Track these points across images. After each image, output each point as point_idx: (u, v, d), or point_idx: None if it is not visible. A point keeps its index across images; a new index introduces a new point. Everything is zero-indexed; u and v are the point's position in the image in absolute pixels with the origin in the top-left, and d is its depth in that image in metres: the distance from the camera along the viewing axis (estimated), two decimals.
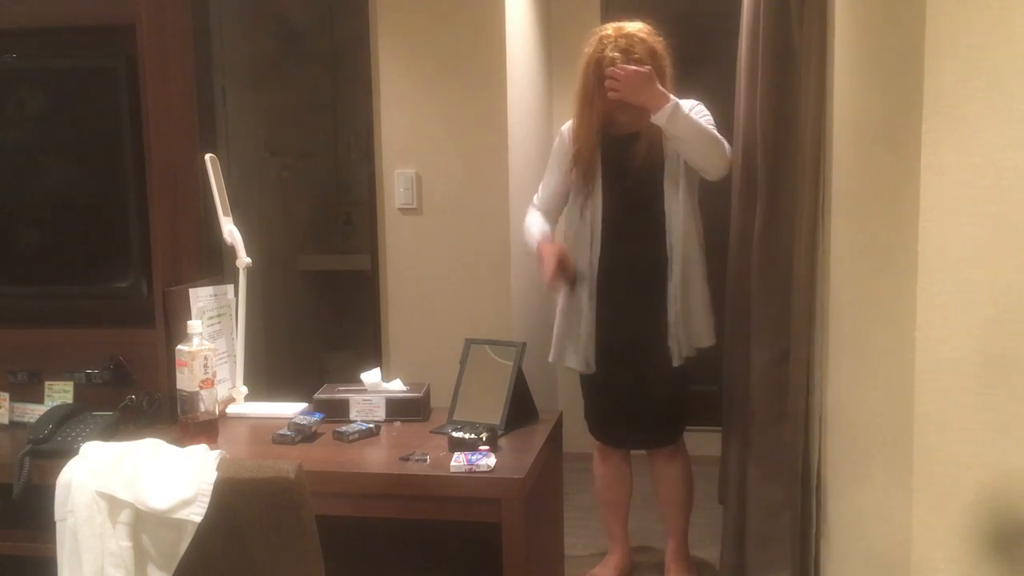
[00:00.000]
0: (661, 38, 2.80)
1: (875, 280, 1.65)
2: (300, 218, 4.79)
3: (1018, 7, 1.27)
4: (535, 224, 2.96)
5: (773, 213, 2.56)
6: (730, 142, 2.90)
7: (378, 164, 3.19)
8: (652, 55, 2.74)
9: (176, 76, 2.54)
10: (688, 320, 2.83)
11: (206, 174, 2.49)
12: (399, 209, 3.17)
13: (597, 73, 2.73)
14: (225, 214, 2.52)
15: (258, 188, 4.30)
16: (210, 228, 2.62)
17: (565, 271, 2.82)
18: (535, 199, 3.03)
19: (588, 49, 2.81)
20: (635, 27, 2.79)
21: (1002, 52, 1.28)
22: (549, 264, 2.76)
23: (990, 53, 1.28)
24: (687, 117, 2.66)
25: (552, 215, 3.02)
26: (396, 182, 3.16)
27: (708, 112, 2.83)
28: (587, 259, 2.86)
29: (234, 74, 4.05)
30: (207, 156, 2.49)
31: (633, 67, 2.63)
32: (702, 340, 2.88)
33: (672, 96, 2.66)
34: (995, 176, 1.29)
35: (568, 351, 2.92)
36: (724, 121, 2.86)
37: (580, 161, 2.84)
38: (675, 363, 2.82)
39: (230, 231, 2.53)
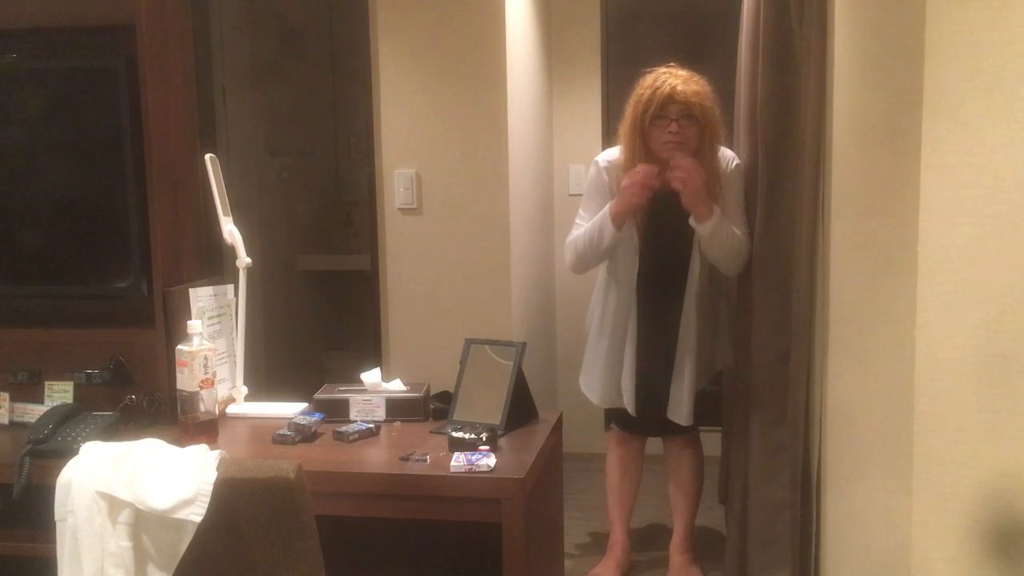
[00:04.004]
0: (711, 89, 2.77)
1: (875, 280, 1.65)
2: (300, 218, 4.79)
3: (1018, 7, 1.27)
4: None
5: (773, 213, 2.56)
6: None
7: (378, 164, 3.19)
8: (710, 116, 2.73)
9: (176, 76, 2.54)
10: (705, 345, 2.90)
11: (206, 174, 2.49)
12: (399, 209, 3.17)
13: (650, 121, 2.73)
14: (225, 214, 2.52)
15: (258, 188, 4.29)
16: (210, 228, 2.62)
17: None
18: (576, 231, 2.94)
19: (641, 91, 2.76)
20: (688, 76, 2.75)
21: (1002, 52, 1.28)
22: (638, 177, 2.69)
23: (990, 53, 1.28)
24: (725, 232, 2.69)
25: None
26: (396, 182, 3.16)
27: (741, 170, 2.81)
28: (628, 291, 2.86)
29: (234, 74, 4.05)
30: (207, 156, 2.49)
31: (695, 168, 2.64)
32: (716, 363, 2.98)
33: (716, 208, 2.68)
34: (995, 176, 1.29)
35: (612, 393, 2.94)
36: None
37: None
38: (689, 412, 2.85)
39: (230, 231, 2.53)
